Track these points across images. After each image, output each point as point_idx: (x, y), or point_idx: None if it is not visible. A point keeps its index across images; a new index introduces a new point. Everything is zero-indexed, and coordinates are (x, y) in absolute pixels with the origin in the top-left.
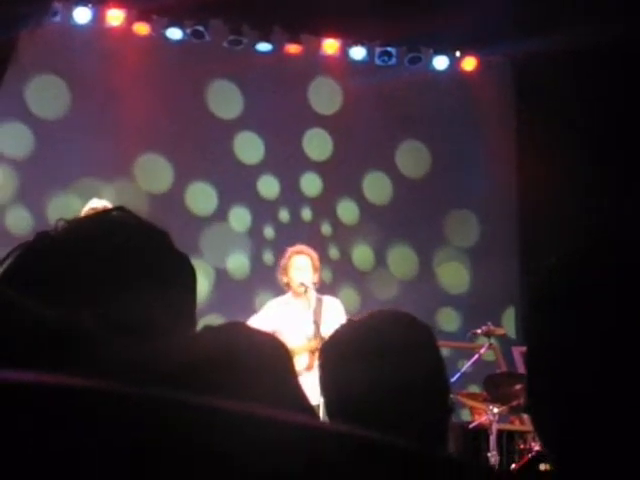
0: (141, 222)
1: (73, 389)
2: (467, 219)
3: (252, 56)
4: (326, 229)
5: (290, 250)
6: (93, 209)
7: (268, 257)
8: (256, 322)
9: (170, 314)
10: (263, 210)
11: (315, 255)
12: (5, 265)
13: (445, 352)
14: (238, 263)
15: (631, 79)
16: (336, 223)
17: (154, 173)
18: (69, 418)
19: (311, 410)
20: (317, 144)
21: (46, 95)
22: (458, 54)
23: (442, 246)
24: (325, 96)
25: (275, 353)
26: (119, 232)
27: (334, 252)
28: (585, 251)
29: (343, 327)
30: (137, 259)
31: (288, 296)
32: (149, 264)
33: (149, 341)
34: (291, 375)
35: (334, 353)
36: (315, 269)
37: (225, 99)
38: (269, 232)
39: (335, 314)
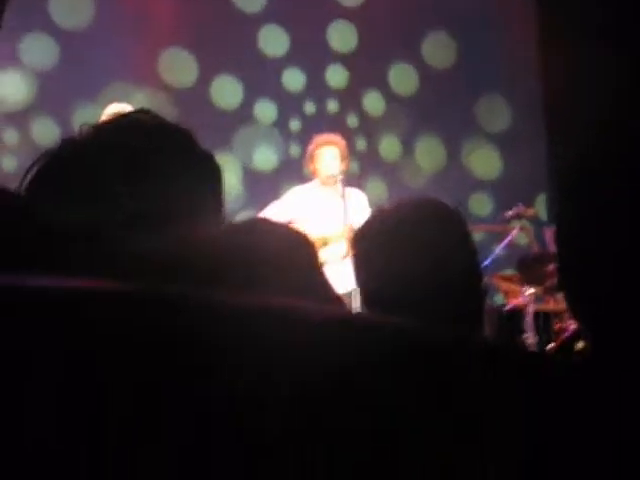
0: (162, 122)
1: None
2: (495, 105)
3: None
4: (352, 121)
5: (318, 139)
6: (112, 114)
7: (295, 150)
8: (281, 208)
9: (194, 210)
10: (289, 103)
11: (343, 143)
12: (31, 173)
13: (477, 236)
14: (265, 157)
15: None
16: (362, 114)
17: (179, 68)
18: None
19: (338, 300)
20: (342, 35)
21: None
22: None
23: (470, 134)
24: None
25: (297, 246)
26: (140, 133)
27: (361, 143)
28: (612, 137)
29: (374, 217)
30: (158, 159)
31: (315, 183)
32: (171, 163)
33: (170, 235)
34: (315, 267)
35: (367, 243)
36: (343, 158)
37: None
38: (295, 125)
39: (360, 207)
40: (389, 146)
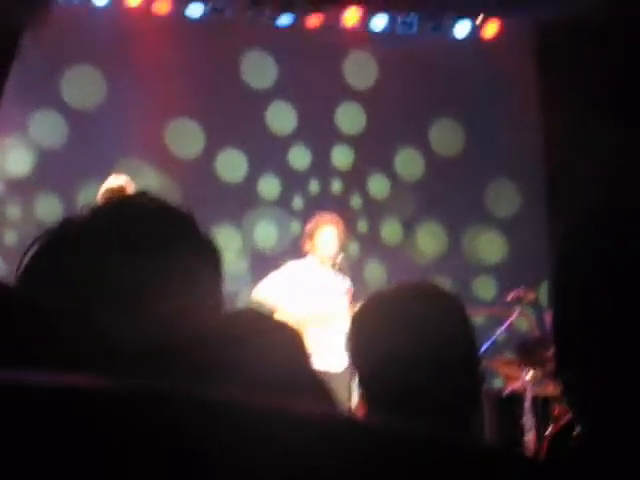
0: (162, 205)
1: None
2: (502, 190)
3: (274, 28)
4: (356, 202)
5: (318, 218)
6: (111, 186)
7: (296, 227)
8: (278, 282)
9: (192, 293)
10: (293, 181)
11: (341, 223)
12: (30, 252)
13: (479, 319)
14: (266, 232)
15: None
16: (366, 196)
17: (185, 139)
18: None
19: (329, 396)
20: (350, 117)
21: (77, 83)
22: (480, 19)
23: (475, 219)
24: (356, 70)
25: (290, 342)
26: (137, 217)
27: (363, 225)
28: (607, 210)
29: (372, 299)
30: (155, 243)
31: (310, 260)
32: (168, 248)
33: (168, 329)
34: (307, 361)
35: (364, 326)
36: (341, 239)
37: (257, 70)
38: (298, 203)
39: (345, 292)
40: (391, 230)
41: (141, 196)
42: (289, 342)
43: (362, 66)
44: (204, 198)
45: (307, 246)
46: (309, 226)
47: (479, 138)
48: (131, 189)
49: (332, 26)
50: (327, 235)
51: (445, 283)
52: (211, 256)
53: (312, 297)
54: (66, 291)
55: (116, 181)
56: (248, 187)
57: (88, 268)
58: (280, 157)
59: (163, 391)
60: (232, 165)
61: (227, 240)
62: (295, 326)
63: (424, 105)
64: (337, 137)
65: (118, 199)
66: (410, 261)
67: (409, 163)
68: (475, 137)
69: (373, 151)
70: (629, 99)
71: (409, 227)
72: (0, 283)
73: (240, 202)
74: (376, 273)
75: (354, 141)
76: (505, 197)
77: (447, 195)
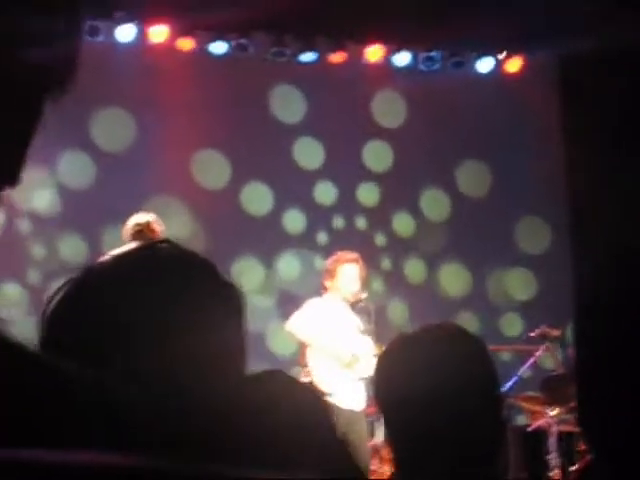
0: (185, 257)
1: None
2: (526, 226)
3: (296, 66)
4: (380, 240)
5: (340, 256)
6: (139, 222)
7: (319, 263)
8: (306, 321)
9: (215, 357)
10: (318, 216)
11: (362, 263)
12: (54, 301)
13: (505, 356)
14: (289, 266)
15: None
16: (391, 234)
17: (212, 171)
18: None
19: (355, 468)
20: (377, 155)
21: (104, 121)
22: (502, 55)
23: (499, 258)
24: (382, 107)
25: (316, 409)
26: (160, 272)
27: (386, 263)
28: (629, 256)
29: (395, 340)
30: (180, 303)
31: (331, 298)
32: (192, 307)
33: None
34: (332, 431)
35: (386, 366)
36: (362, 276)
37: (284, 105)
38: (322, 238)
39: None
40: (414, 268)
41: (163, 243)
42: (315, 407)
43: (387, 103)
44: (228, 229)
45: (327, 283)
46: (330, 263)
47: (504, 176)
48: (158, 226)
49: (355, 63)
50: (349, 272)
51: (471, 321)
52: (233, 302)
53: (341, 335)
54: (88, 341)
55: (143, 217)
56: (273, 220)
57: (110, 318)
58: (306, 192)
59: (182, 471)
60: (257, 198)
61: (250, 271)
62: (317, 387)
63: (449, 143)
64: (364, 174)
65: (140, 246)
66: (434, 300)
67: (434, 202)
68: (500, 175)
69: (399, 189)
70: None
71: (433, 266)
72: (18, 343)
73: (265, 234)
74: (399, 311)
75: (380, 179)
76: (532, 234)
77: (472, 234)
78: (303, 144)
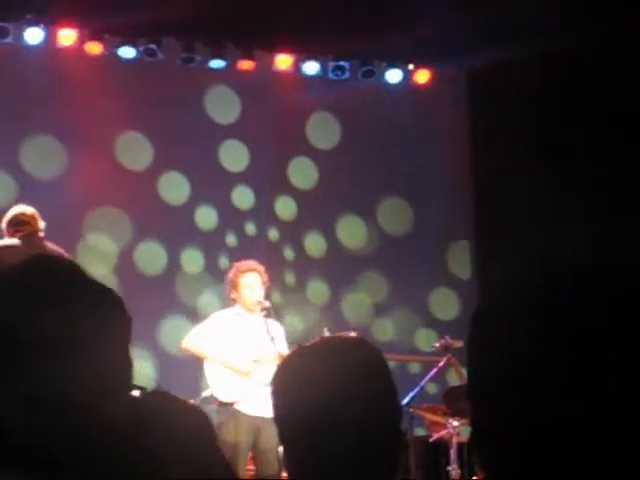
0: (63, 272)
1: None
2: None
3: (206, 73)
4: (288, 254)
5: (239, 266)
6: (23, 214)
7: (223, 263)
8: (205, 333)
9: (99, 374)
10: (231, 217)
11: (263, 270)
12: None
13: (415, 368)
14: (192, 259)
15: (583, 88)
16: (300, 251)
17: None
18: None
19: (233, 475)
20: (302, 171)
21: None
22: (411, 67)
23: (404, 284)
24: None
25: (201, 427)
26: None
27: (290, 279)
28: (521, 271)
29: (292, 353)
30: (60, 320)
31: (237, 309)
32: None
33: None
34: (216, 445)
35: (284, 380)
36: (264, 284)
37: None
38: (231, 240)
39: (280, 338)
40: (318, 290)
41: (42, 259)
42: (197, 424)
43: (296, 112)
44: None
45: (232, 295)
46: (230, 275)
47: (412, 187)
48: (41, 222)
49: (265, 70)
50: (250, 281)
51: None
52: (115, 313)
53: (241, 345)
54: None
55: (29, 209)
56: (186, 213)
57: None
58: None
59: None
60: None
61: (152, 257)
62: (200, 407)
63: (357, 154)
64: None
65: (23, 262)
66: (332, 325)
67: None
68: (407, 186)
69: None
70: (557, 145)
71: (337, 290)
72: None
73: (175, 226)
74: (295, 328)
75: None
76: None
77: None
78: (230, 146)
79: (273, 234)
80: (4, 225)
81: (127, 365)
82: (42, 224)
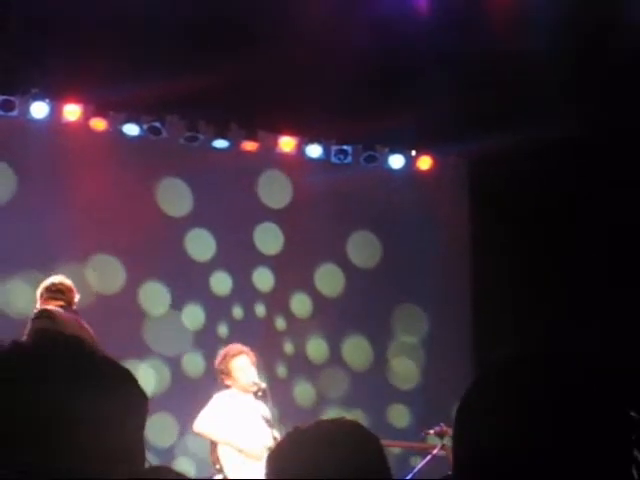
0: (88, 353)
1: None
2: (419, 315)
3: (209, 152)
4: (280, 324)
5: (226, 352)
6: (60, 284)
7: None
8: (216, 417)
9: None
10: (217, 307)
11: (249, 350)
12: None
13: (398, 451)
14: (193, 362)
15: (585, 177)
16: (290, 317)
17: (107, 273)
18: None
19: None
20: (268, 238)
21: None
22: (414, 153)
23: (394, 339)
24: (276, 191)
25: None
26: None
27: (289, 347)
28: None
29: (288, 437)
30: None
31: (233, 392)
32: (93, 402)
33: None
34: None
35: (279, 465)
36: (254, 364)
37: (176, 196)
38: (223, 330)
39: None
40: (316, 348)
41: (68, 337)
42: None
43: (279, 188)
44: (129, 330)
45: (227, 382)
46: (219, 363)
47: (400, 261)
48: (77, 294)
49: (269, 151)
50: (240, 365)
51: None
52: (134, 398)
53: (253, 428)
54: None
55: (65, 280)
56: (172, 317)
57: (7, 412)
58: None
59: None
60: (155, 296)
61: (153, 371)
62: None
63: (355, 233)
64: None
65: (43, 337)
66: (336, 379)
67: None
68: (395, 259)
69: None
70: (558, 234)
71: (334, 344)
72: None
73: (165, 332)
74: (304, 393)
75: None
76: (418, 323)
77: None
78: (194, 236)
79: (260, 309)
80: (40, 290)
81: (140, 451)
82: (78, 297)
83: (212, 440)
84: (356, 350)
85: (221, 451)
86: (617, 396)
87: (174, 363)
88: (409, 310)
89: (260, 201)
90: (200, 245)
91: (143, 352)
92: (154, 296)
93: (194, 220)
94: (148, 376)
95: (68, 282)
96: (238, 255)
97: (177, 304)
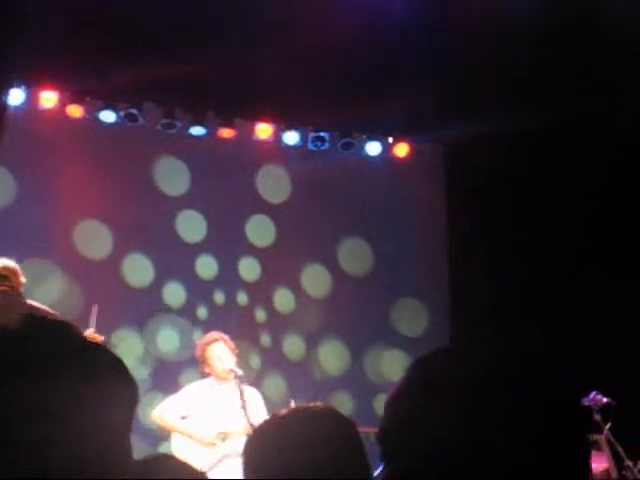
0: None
1: None
2: (403, 310)
3: (186, 139)
4: (260, 315)
5: (202, 340)
6: (4, 268)
7: (198, 336)
8: (178, 404)
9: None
10: (199, 289)
11: (227, 338)
12: None
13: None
14: (168, 339)
15: (562, 165)
16: (271, 310)
17: (94, 241)
18: None
19: None
20: (260, 230)
21: None
22: (391, 140)
23: (375, 342)
24: (269, 183)
25: None
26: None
27: (265, 339)
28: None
29: (267, 422)
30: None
31: (211, 381)
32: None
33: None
34: None
35: (258, 448)
36: (232, 351)
37: (168, 178)
38: (202, 312)
39: (257, 405)
40: (293, 345)
41: (52, 322)
42: None
43: (275, 180)
44: (109, 298)
45: (206, 370)
46: (197, 351)
47: (387, 257)
48: (23, 278)
49: (245, 139)
50: (216, 352)
51: (346, 400)
52: (123, 382)
53: (208, 416)
54: None
55: (10, 262)
56: (153, 292)
57: None
58: (188, 265)
59: None
60: (139, 269)
61: (129, 345)
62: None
63: (334, 222)
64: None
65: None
66: (311, 376)
67: (316, 279)
68: (383, 256)
69: (280, 265)
70: (534, 219)
71: (311, 344)
72: None
73: (144, 306)
74: (275, 387)
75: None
76: (410, 317)
77: (352, 312)
78: (186, 217)
79: (242, 298)
80: None
81: (128, 431)
82: (23, 280)
83: (164, 428)
84: (333, 353)
85: (173, 439)
86: (550, 383)
87: (149, 338)
88: (396, 307)
89: (236, 188)
90: (190, 228)
91: (119, 322)
92: (138, 268)
93: (185, 202)
94: (121, 347)
95: (12, 265)
96: (226, 242)
97: (160, 280)
